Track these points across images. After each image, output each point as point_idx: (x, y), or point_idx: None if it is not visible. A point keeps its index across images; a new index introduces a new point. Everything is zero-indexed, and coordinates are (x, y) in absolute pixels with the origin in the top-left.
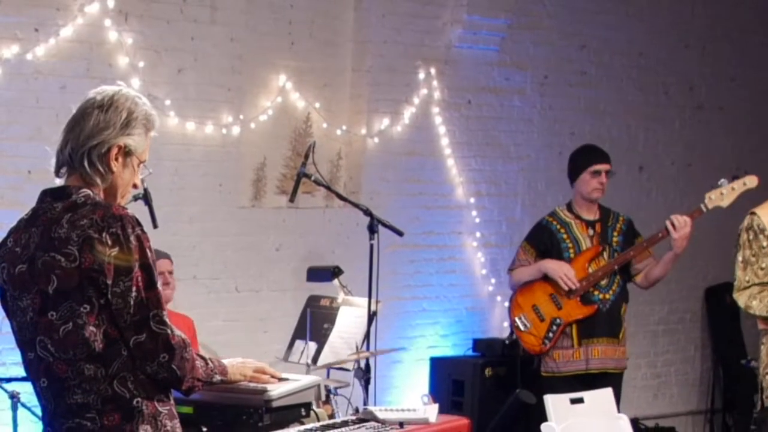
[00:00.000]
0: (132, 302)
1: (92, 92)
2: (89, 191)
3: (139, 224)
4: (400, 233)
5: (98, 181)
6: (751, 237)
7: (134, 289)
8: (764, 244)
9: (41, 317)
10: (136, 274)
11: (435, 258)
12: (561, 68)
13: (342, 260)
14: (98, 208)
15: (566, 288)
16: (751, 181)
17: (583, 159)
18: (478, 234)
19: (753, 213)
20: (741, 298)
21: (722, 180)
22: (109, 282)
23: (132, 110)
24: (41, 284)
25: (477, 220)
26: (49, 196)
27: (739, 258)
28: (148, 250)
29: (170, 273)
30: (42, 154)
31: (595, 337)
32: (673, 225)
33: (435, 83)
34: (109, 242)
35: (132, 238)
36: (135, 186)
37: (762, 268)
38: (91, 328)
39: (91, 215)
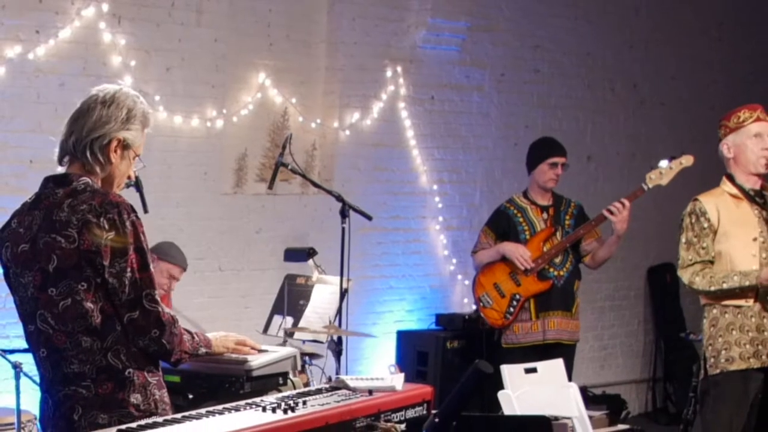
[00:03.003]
0: (127, 282)
1: (95, 89)
2: (88, 179)
3: (134, 211)
4: (369, 217)
5: (98, 170)
6: (693, 220)
7: (129, 270)
8: (705, 225)
9: (41, 293)
10: (130, 256)
11: (401, 240)
12: (516, 67)
13: (316, 242)
14: (97, 194)
15: (522, 267)
16: (687, 160)
17: (542, 151)
18: (440, 218)
19: (696, 199)
20: (685, 275)
21: (662, 161)
22: (106, 263)
23: (131, 107)
24: (42, 262)
25: (440, 205)
26: (51, 182)
27: (683, 239)
28: (141, 235)
29: (173, 279)
30: (42, 144)
31: (551, 310)
32: (610, 212)
33: (401, 80)
34: (107, 226)
35: (127, 223)
36: (129, 177)
37: (703, 248)
38: (89, 304)
39: (90, 201)
